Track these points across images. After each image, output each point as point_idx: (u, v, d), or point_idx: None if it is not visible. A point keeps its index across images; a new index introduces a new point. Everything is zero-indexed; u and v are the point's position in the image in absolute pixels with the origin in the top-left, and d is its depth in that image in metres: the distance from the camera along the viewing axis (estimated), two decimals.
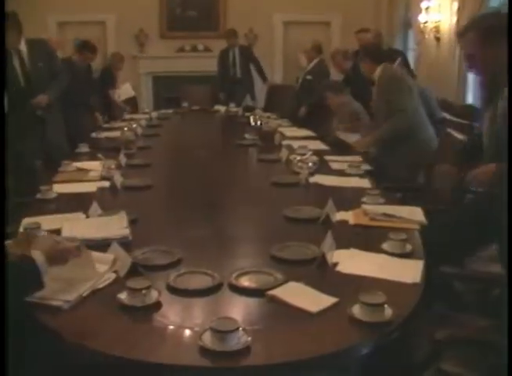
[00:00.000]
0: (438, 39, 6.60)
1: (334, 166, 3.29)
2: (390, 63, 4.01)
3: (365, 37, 6.06)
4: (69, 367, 1.52)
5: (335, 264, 1.86)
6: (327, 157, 3.47)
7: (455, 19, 6.04)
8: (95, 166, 3.17)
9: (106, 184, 2.89)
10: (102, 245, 1.91)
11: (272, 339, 1.44)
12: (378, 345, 1.47)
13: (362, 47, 4.04)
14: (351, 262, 1.88)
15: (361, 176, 3.04)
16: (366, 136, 3.89)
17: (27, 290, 1.54)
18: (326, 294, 1.63)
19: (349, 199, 2.58)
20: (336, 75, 6.15)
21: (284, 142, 3.92)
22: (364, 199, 2.54)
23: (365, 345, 1.45)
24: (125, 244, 1.96)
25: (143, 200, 2.74)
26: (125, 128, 4.07)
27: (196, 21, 8.51)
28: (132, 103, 6.91)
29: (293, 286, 1.69)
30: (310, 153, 3.23)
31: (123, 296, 1.61)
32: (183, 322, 1.55)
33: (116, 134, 4.21)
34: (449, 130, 3.49)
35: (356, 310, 1.51)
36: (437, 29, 6.57)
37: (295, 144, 3.73)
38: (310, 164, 3.00)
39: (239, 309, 1.64)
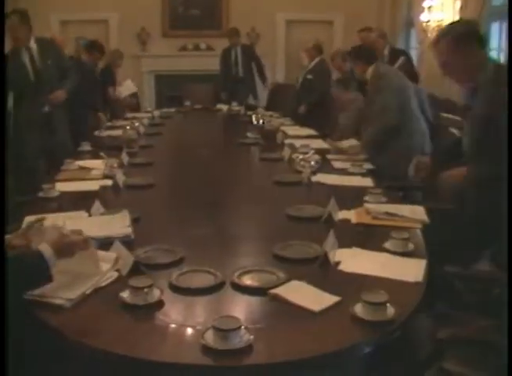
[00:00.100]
0: None
1: (336, 165, 3.29)
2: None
3: (368, 36, 6.03)
4: (69, 367, 1.52)
5: (337, 263, 1.86)
6: (329, 156, 3.47)
7: (457, 18, 6.02)
8: (97, 164, 3.17)
9: (109, 183, 2.89)
10: (105, 244, 1.91)
11: (274, 338, 1.44)
12: (380, 343, 1.47)
13: (351, 50, 4.04)
14: (354, 260, 1.88)
15: (363, 175, 3.04)
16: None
17: (34, 283, 1.54)
18: (329, 292, 1.63)
19: (351, 198, 2.58)
20: (336, 75, 6.15)
21: (286, 141, 3.92)
22: (366, 198, 2.55)
23: (367, 343, 1.45)
24: (127, 242, 1.96)
25: (145, 199, 2.74)
26: (127, 127, 4.08)
27: (199, 20, 8.50)
28: (135, 99, 6.93)
29: (295, 285, 1.69)
30: (312, 151, 3.22)
31: (125, 294, 1.61)
32: (185, 320, 1.55)
33: (118, 132, 4.22)
34: (452, 129, 3.48)
35: (358, 309, 1.51)
36: (439, 28, 6.55)
37: (297, 143, 3.73)
38: (312, 162, 3.00)
39: (241, 308, 1.65)
